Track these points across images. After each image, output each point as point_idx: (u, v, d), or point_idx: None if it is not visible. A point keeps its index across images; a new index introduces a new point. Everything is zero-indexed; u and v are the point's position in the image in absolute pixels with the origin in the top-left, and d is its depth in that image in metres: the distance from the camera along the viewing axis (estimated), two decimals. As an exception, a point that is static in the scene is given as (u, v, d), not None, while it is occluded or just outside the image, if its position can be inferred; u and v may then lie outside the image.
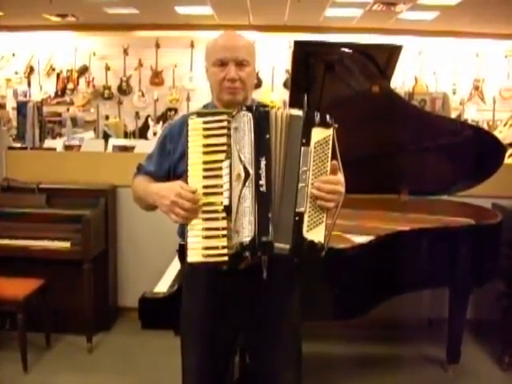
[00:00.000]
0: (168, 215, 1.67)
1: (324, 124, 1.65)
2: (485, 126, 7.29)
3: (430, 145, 3.13)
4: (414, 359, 3.53)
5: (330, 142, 1.65)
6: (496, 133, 5.69)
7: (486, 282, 3.21)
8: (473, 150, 3.14)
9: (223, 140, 1.64)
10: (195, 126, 1.67)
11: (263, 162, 1.60)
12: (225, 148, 1.63)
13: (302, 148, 1.62)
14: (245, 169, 1.59)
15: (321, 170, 1.63)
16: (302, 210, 1.59)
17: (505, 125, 7.12)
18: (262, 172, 1.59)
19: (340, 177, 1.68)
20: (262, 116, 1.64)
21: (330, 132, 1.65)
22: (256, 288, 1.77)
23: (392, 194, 3.33)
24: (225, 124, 1.65)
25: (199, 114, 1.71)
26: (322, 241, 1.59)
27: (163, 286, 2.51)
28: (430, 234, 2.95)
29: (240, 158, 1.60)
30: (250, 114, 1.62)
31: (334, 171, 1.66)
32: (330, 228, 1.63)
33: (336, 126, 1.66)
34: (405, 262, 2.86)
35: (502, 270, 3.24)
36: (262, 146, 1.61)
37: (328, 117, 1.66)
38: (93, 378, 3.22)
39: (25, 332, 3.21)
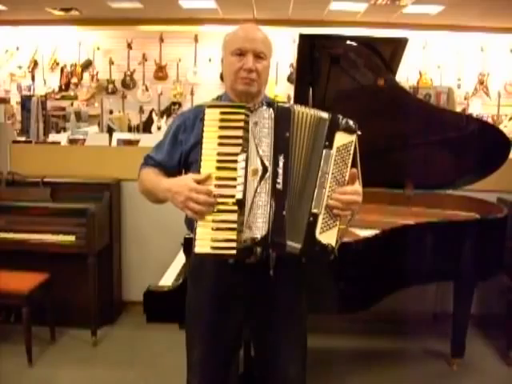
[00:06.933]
0: (184, 211, 1.65)
1: (348, 129, 1.64)
2: (489, 121, 7.25)
3: (435, 138, 3.12)
4: (418, 353, 3.52)
5: (352, 149, 1.64)
6: (501, 127, 5.67)
7: (490, 276, 3.22)
8: (478, 143, 3.13)
9: (240, 133, 1.61)
10: (212, 116, 1.63)
11: (282, 160, 1.59)
12: (241, 141, 1.60)
13: (324, 150, 1.62)
14: (263, 164, 1.58)
15: (340, 176, 1.63)
16: (316, 211, 1.60)
17: (510, 119, 7.11)
18: (280, 169, 1.59)
19: (357, 186, 1.67)
20: (283, 113, 1.63)
21: (353, 138, 1.64)
22: (262, 281, 1.77)
23: (397, 187, 3.33)
24: (243, 117, 1.62)
25: (217, 105, 1.69)
26: (333, 244, 1.60)
27: (168, 280, 2.51)
28: (434, 228, 2.95)
29: (258, 153, 1.59)
30: (271, 111, 1.61)
31: (352, 179, 1.66)
32: (342, 233, 1.64)
33: (359, 133, 1.65)
34: (409, 256, 2.86)
35: (506, 264, 3.23)
36: (281, 144, 1.60)
37: (352, 123, 1.65)
38: (97, 371, 3.22)
39: (29, 326, 3.22)
